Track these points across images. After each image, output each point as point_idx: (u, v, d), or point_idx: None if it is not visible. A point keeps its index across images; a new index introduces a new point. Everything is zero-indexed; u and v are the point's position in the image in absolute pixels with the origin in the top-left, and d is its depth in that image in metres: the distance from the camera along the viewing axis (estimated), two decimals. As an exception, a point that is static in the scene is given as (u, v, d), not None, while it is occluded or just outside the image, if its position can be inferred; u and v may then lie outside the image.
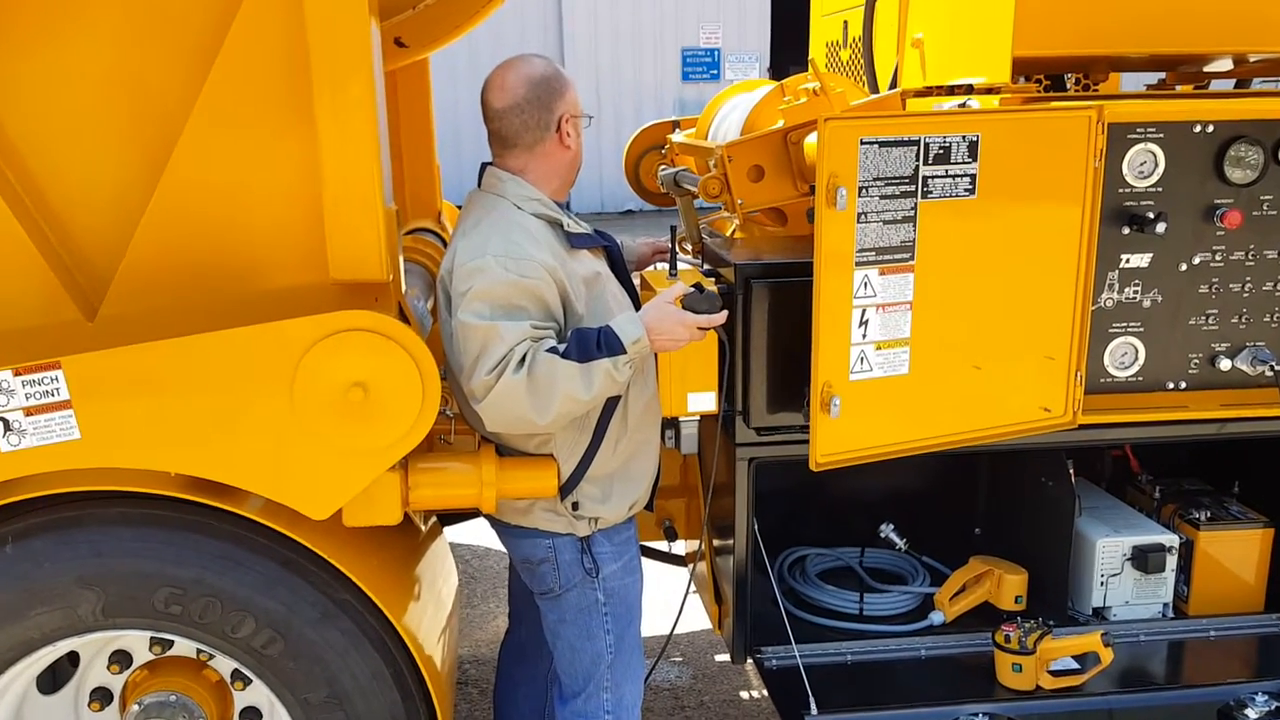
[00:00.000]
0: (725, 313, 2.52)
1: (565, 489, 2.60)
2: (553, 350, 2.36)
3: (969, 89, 3.18)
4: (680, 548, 3.81)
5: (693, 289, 2.52)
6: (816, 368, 2.48)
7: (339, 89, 2.33)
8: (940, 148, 2.49)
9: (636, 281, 2.97)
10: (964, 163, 2.52)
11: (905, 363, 2.57)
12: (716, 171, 3.21)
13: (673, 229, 2.86)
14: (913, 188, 2.49)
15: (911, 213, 2.50)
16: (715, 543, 3.25)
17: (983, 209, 2.56)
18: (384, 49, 4.11)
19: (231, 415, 2.33)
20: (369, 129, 2.37)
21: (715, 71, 17.39)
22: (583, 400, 2.37)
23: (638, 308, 2.63)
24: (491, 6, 3.70)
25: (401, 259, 2.70)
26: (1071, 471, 3.02)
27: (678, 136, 4.24)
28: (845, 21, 4.42)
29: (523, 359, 2.35)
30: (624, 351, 2.38)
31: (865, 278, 2.50)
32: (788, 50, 16.83)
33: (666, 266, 2.83)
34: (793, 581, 3.27)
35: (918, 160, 2.48)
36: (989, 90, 3.11)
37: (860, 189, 2.44)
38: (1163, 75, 3.38)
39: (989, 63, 3.02)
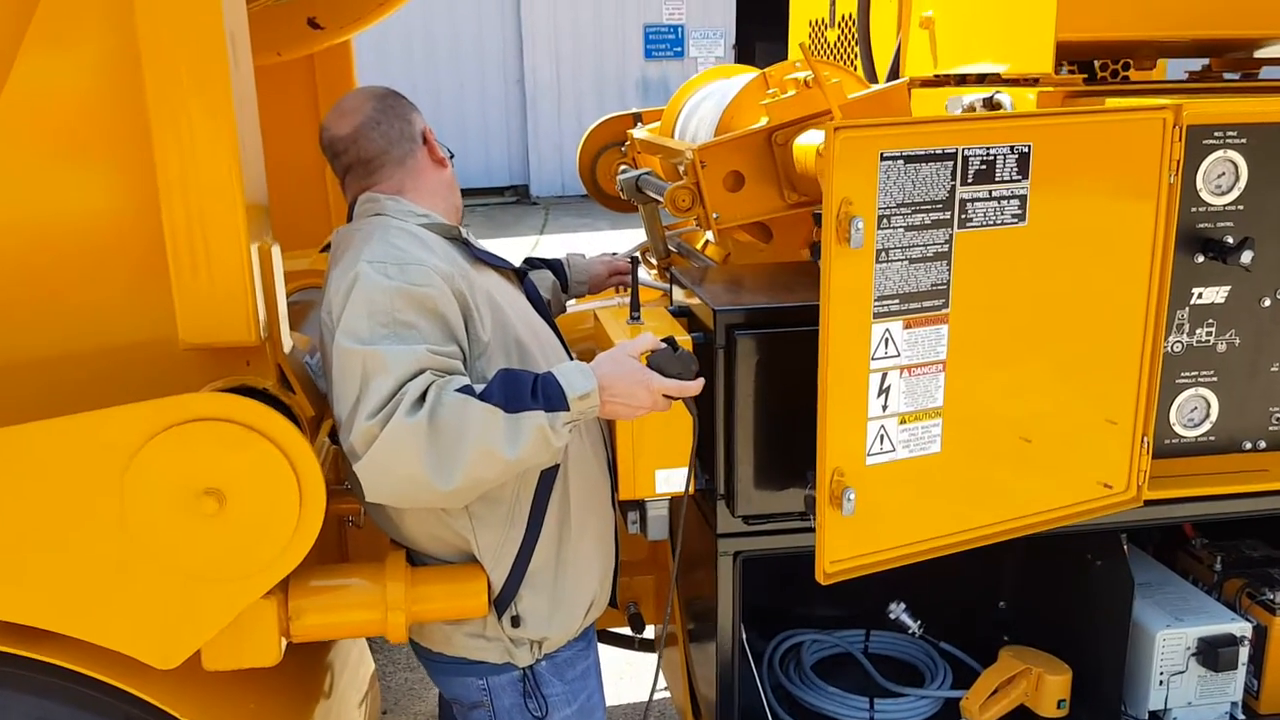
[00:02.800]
0: (701, 381, 1.94)
1: (500, 602, 2.02)
2: (467, 390, 1.77)
3: (995, 79, 2.62)
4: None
5: (664, 344, 1.94)
6: (824, 451, 1.89)
7: (178, 77, 1.76)
8: (982, 162, 1.91)
9: (590, 324, 2.38)
10: (1013, 180, 1.95)
11: (936, 439, 2.00)
12: (687, 180, 2.63)
13: (634, 261, 2.28)
14: (947, 215, 1.91)
15: (945, 247, 1.92)
16: (690, 626, 2.67)
17: (1035, 240, 1.99)
18: (297, 31, 3.55)
19: (40, 536, 1.73)
20: (225, 135, 1.79)
21: (680, 49, 16.91)
22: (504, 460, 1.76)
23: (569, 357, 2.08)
24: (413, -18, 3.13)
25: (285, 300, 2.09)
26: (1126, 548, 2.46)
27: (639, 132, 3.64)
28: (833, -4, 3.82)
29: (422, 397, 1.74)
30: (566, 408, 1.79)
31: (886, 332, 1.91)
32: (754, 26, 16.29)
33: (626, 301, 2.24)
34: (786, 680, 2.69)
35: (954, 179, 1.90)
36: (1019, 81, 2.54)
37: (880, 218, 1.85)
38: (1205, 61, 2.83)
39: (1023, 48, 2.47)
